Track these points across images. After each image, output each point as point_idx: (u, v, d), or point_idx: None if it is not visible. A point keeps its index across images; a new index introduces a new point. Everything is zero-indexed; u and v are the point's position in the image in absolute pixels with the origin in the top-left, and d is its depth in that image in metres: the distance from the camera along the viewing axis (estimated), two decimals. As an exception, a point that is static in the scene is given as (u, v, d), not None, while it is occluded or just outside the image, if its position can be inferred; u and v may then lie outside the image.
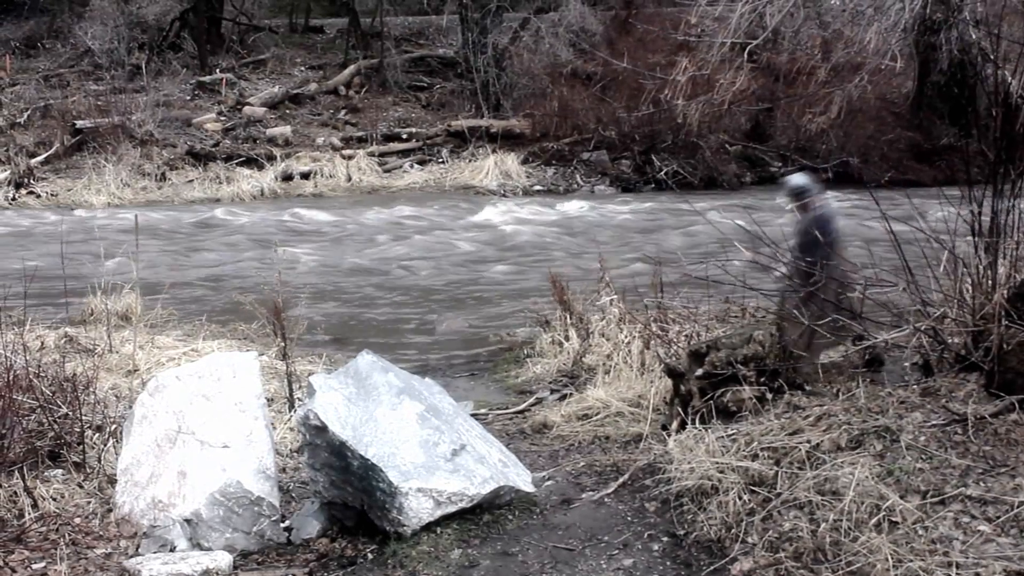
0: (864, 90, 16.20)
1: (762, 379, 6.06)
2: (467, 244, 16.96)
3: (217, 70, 27.72)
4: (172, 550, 5.44)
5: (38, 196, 21.47)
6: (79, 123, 23.52)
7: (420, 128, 25.36)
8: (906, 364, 7.01)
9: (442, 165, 23.97)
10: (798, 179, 8.35)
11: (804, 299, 7.62)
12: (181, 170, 22.87)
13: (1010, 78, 7.36)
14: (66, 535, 5.57)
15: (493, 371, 9.62)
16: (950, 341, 6.06)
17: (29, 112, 24.55)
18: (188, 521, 5.54)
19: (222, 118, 25.21)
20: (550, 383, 8.78)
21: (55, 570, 5.22)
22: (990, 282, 5.74)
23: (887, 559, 4.38)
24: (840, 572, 4.45)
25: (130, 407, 6.75)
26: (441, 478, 5.40)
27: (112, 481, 6.09)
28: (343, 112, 26.30)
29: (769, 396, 5.98)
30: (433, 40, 30.70)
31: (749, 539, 4.87)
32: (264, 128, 24.95)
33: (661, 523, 5.39)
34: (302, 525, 5.76)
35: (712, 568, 4.87)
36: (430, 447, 5.51)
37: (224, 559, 5.31)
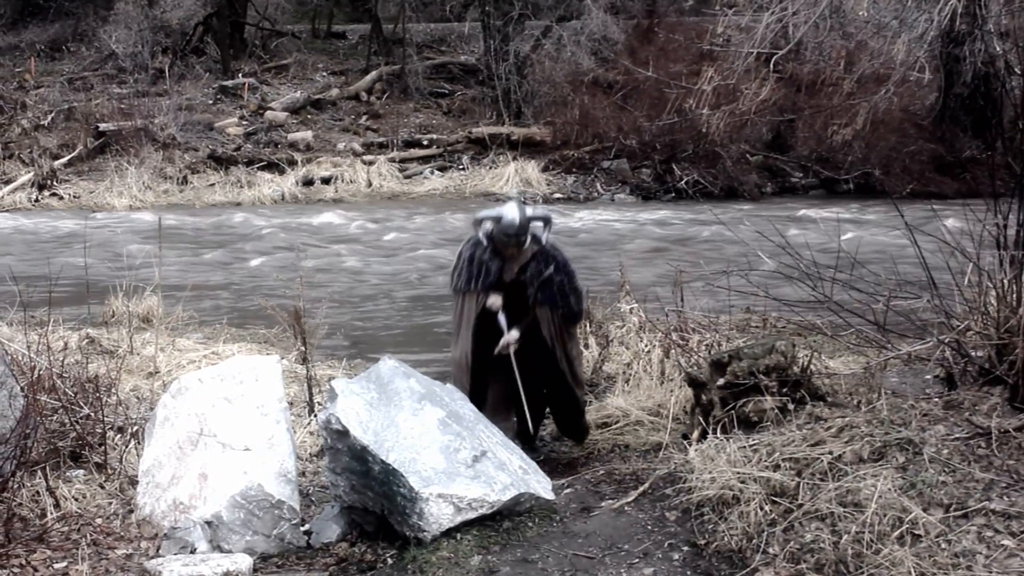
0: (890, 102, 16.15)
1: (784, 390, 6.03)
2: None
3: (239, 75, 27.86)
4: (193, 552, 5.45)
5: (61, 198, 21.63)
6: (102, 126, 23.68)
7: (441, 135, 25.41)
8: (928, 377, 6.98)
9: (462, 172, 24.01)
10: (527, 211, 7.03)
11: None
12: (203, 174, 22.99)
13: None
14: (87, 535, 5.59)
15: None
16: (974, 354, 6.03)
17: (53, 114, 24.71)
18: (209, 523, 5.55)
19: (244, 122, 25.33)
20: (569, 391, 8.77)
21: (76, 570, 5.24)
22: (1015, 295, 5.71)
23: (910, 572, 4.36)
24: (862, 584, 4.44)
25: (151, 409, 6.79)
26: (462, 484, 5.40)
27: (133, 482, 6.12)
28: (364, 118, 26.38)
29: (791, 407, 5.96)
30: (455, 47, 30.77)
31: (770, 550, 4.84)
32: (285, 133, 25.06)
33: (682, 532, 5.37)
34: (322, 529, 5.77)
35: (733, 578, 4.86)
36: (451, 453, 5.52)
37: (244, 562, 5.32)
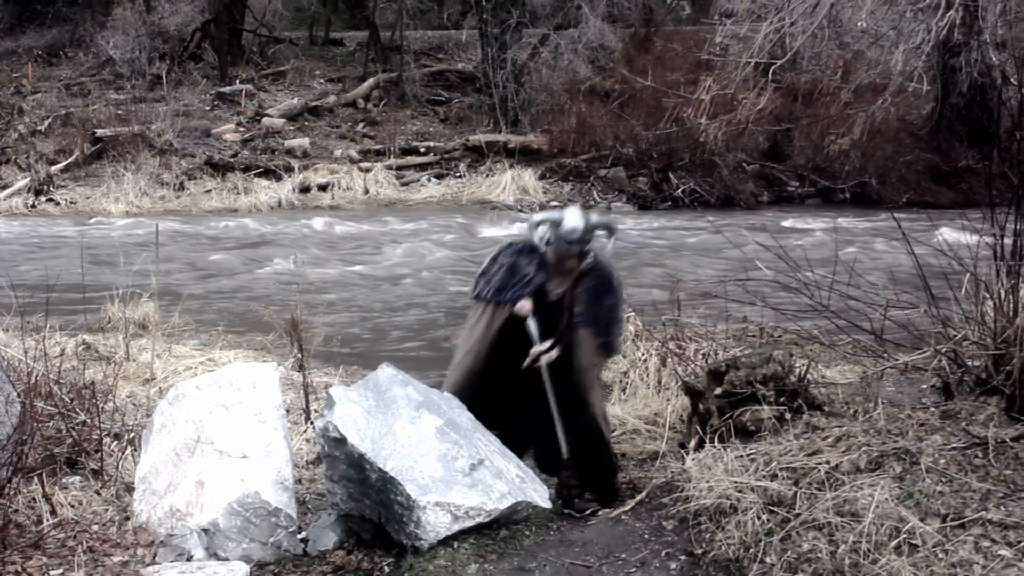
0: (887, 112, 16.20)
1: (781, 399, 6.04)
2: (483, 258, 16.96)
3: (237, 81, 27.85)
4: (189, 559, 5.44)
5: (57, 203, 21.60)
6: (99, 131, 23.65)
7: (438, 142, 25.42)
8: (925, 386, 7.00)
9: (459, 179, 24.03)
10: (592, 217, 6.17)
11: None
12: (199, 180, 22.98)
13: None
14: (84, 542, 5.58)
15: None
16: (970, 364, 6.04)
17: (50, 120, 24.69)
18: (205, 530, 5.54)
19: (241, 129, 25.31)
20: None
21: (72, 577, 5.24)
22: (1012, 305, 5.72)
23: (907, 582, 4.37)
24: (859, 594, 4.44)
25: (147, 415, 6.78)
26: (459, 492, 5.39)
27: (130, 489, 6.10)
28: (361, 125, 26.38)
29: (788, 416, 5.97)
30: (452, 55, 30.79)
31: (767, 559, 4.85)
32: (282, 140, 25.05)
33: (679, 542, 5.37)
34: (319, 537, 5.76)
35: (730, 588, 4.86)
36: (448, 461, 5.51)
37: (241, 569, 5.31)
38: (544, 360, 6.05)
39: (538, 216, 6.29)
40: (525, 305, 6.08)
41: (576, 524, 5.78)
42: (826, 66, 22.54)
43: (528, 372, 6.08)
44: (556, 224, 6.02)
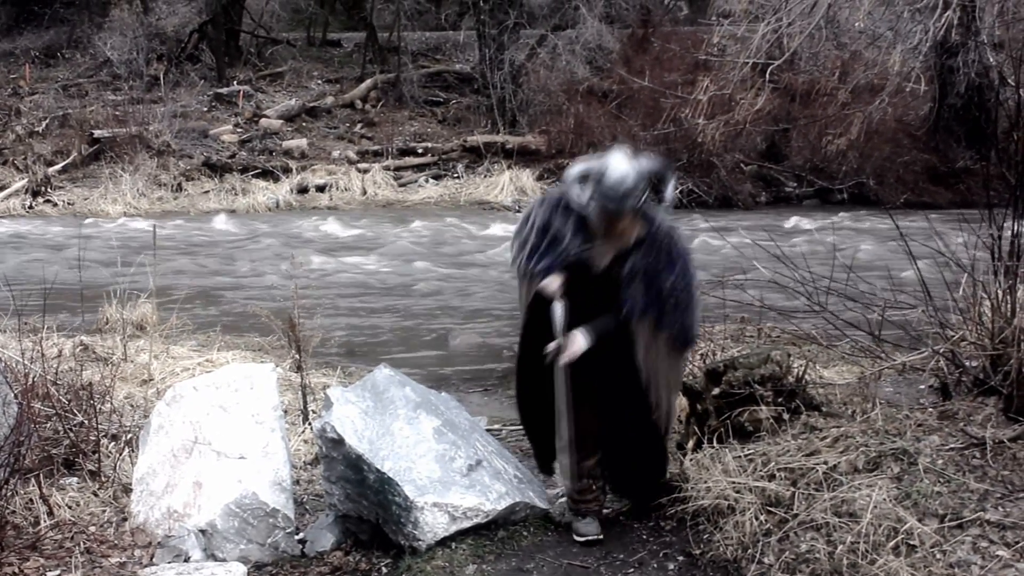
0: (884, 112, 16.23)
1: (779, 399, 6.04)
2: (481, 259, 16.99)
3: (234, 82, 27.86)
4: (186, 560, 5.44)
5: (55, 204, 21.59)
6: (97, 133, 23.64)
7: (436, 143, 25.43)
8: (923, 387, 6.99)
9: (457, 180, 24.04)
10: (644, 163, 4.88)
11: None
12: (197, 181, 22.99)
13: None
14: (81, 543, 5.58)
15: (507, 386, 9.59)
16: (968, 364, 6.04)
17: (47, 121, 24.69)
18: (203, 531, 5.54)
19: (239, 130, 25.32)
20: (564, 400, 8.73)
21: (70, 578, 5.23)
22: (1009, 306, 5.73)
23: (905, 583, 4.36)
24: (857, 595, 4.43)
25: (145, 416, 6.77)
26: (457, 493, 5.39)
27: (127, 490, 6.10)
28: (359, 126, 26.39)
29: (786, 416, 5.96)
30: (450, 55, 30.82)
31: (765, 560, 4.85)
32: (280, 140, 25.06)
33: (677, 542, 5.37)
34: (316, 538, 5.76)
35: (728, 588, 4.86)
36: (446, 462, 5.51)
37: (238, 570, 5.30)
38: (562, 359, 5.11)
39: (577, 168, 5.00)
40: (551, 284, 5.00)
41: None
42: (824, 66, 22.53)
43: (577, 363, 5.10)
44: (598, 177, 4.83)
